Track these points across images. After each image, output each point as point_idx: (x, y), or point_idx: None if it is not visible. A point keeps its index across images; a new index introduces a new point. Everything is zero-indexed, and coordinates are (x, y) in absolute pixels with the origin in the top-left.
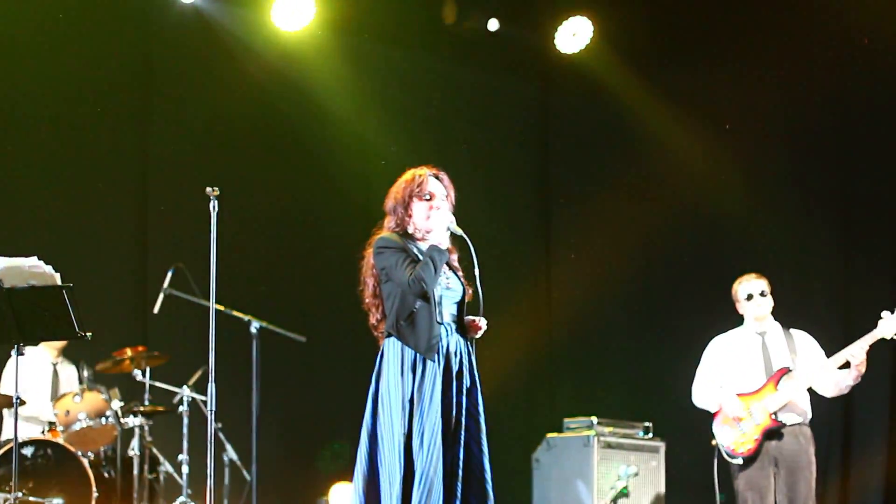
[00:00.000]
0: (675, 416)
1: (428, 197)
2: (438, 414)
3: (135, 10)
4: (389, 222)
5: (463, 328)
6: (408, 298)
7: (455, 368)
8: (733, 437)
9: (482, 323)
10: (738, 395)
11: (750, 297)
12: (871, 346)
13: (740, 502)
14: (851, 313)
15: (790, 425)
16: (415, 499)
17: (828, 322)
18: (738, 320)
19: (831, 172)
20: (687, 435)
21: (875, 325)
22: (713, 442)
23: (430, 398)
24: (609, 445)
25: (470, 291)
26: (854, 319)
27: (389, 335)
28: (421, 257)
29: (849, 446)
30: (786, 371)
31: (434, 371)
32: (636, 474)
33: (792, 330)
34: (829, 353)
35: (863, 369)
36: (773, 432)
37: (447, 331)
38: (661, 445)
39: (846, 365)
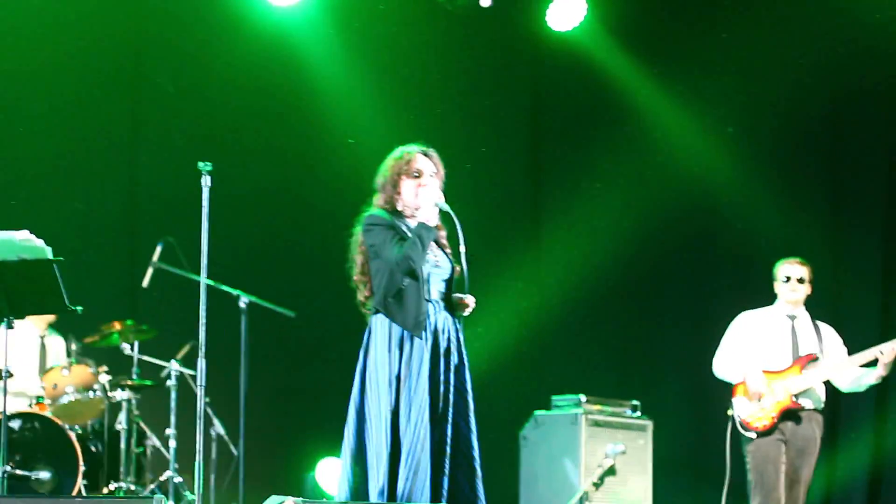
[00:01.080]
0: (663, 395)
1: (416, 174)
2: (426, 391)
3: None
4: (379, 199)
5: (451, 305)
6: (396, 275)
7: (443, 346)
8: (751, 410)
9: (470, 300)
10: (763, 371)
11: (788, 279)
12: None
13: (755, 475)
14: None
15: (806, 410)
16: (402, 475)
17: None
18: (727, 299)
19: (823, 163)
20: (674, 414)
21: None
22: (729, 412)
23: (417, 375)
24: (597, 423)
25: (458, 269)
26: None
27: (377, 312)
28: (409, 235)
29: (836, 427)
30: (813, 357)
31: (421, 348)
32: (624, 452)
33: (819, 322)
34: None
35: (886, 371)
36: (790, 413)
37: (435, 308)
38: (649, 424)
39: (869, 363)
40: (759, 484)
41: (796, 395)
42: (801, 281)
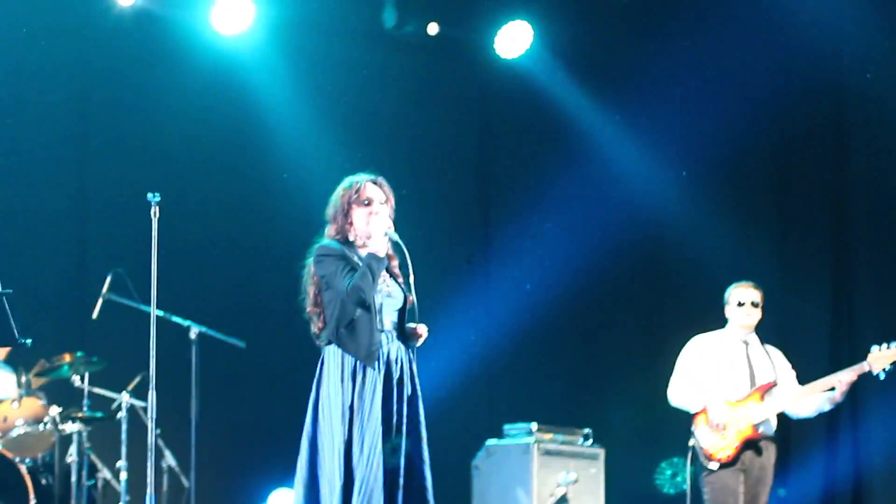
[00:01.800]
0: (615, 423)
1: (367, 202)
2: (378, 422)
3: (72, 14)
4: (330, 230)
5: (404, 335)
6: (347, 306)
7: (396, 376)
8: (713, 441)
9: (423, 330)
10: (724, 400)
11: (741, 304)
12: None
13: None
14: (789, 334)
15: (764, 438)
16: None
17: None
18: (677, 324)
19: (771, 188)
20: (627, 442)
21: (863, 357)
22: (690, 442)
23: (370, 406)
24: (548, 452)
25: (411, 299)
26: (794, 338)
27: (330, 342)
28: (360, 265)
29: (788, 454)
30: (772, 385)
31: (374, 378)
32: (576, 481)
33: (767, 346)
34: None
35: (842, 398)
36: (750, 442)
37: (388, 338)
38: (601, 452)
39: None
40: None
41: (758, 425)
42: (754, 305)
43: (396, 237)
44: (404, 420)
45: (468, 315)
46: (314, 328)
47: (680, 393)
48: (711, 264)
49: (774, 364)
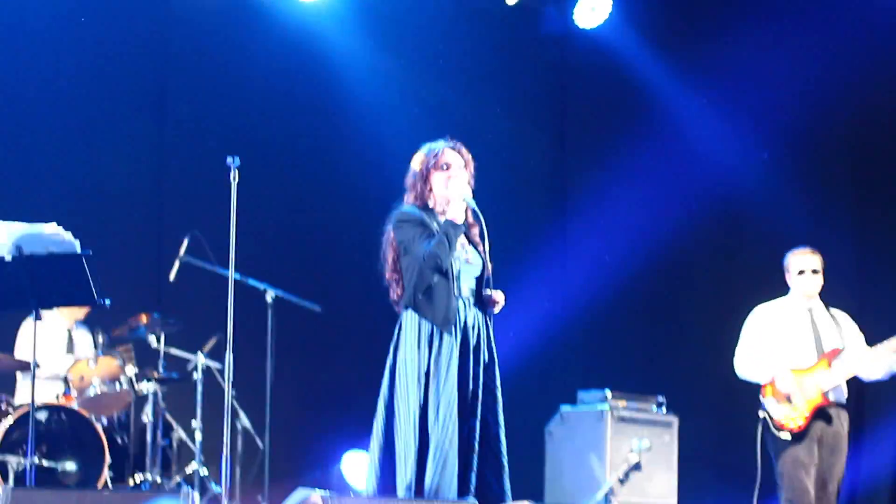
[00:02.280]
0: (689, 391)
1: (445, 167)
2: (454, 387)
3: None
4: (409, 197)
5: (482, 303)
6: (425, 272)
7: (472, 342)
8: (784, 411)
9: (500, 297)
10: (791, 370)
11: (801, 272)
12: None
13: (786, 479)
14: (864, 301)
15: (835, 406)
16: (429, 471)
17: (839, 302)
18: (752, 293)
19: (848, 156)
20: (700, 410)
21: None
22: (761, 414)
23: (446, 371)
24: (622, 419)
25: (490, 267)
26: (865, 307)
27: (407, 307)
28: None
29: (862, 420)
30: (839, 351)
31: (451, 344)
32: (649, 448)
33: (833, 310)
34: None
35: None
36: (822, 411)
37: (465, 304)
38: (675, 420)
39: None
40: (788, 488)
41: (827, 392)
42: (815, 272)
43: (474, 204)
44: (480, 386)
45: (545, 283)
46: (393, 295)
47: (746, 364)
48: (787, 236)
49: (841, 328)
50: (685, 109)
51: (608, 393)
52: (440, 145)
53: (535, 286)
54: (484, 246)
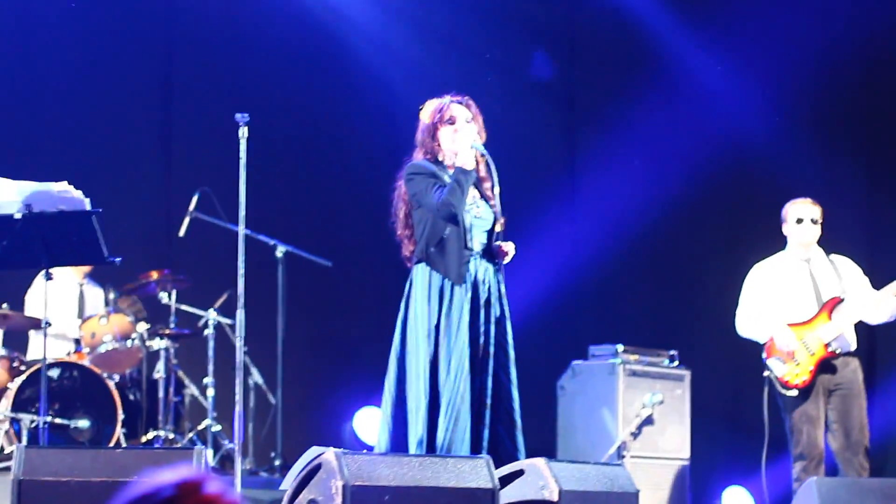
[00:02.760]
0: (701, 345)
1: (451, 121)
2: (466, 342)
3: None
4: (419, 154)
5: (492, 257)
6: (438, 224)
7: (483, 297)
8: (787, 368)
9: (510, 247)
10: (790, 325)
11: (800, 221)
12: None
13: (796, 434)
14: (874, 248)
15: (841, 355)
16: (441, 426)
17: (850, 255)
18: (763, 247)
19: (859, 106)
20: (712, 363)
21: None
22: (765, 373)
23: (457, 326)
24: (634, 373)
25: (502, 220)
26: (877, 255)
27: (419, 262)
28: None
29: (874, 368)
30: (839, 300)
31: (462, 298)
32: (661, 402)
33: (833, 256)
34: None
35: None
36: (827, 363)
37: (476, 259)
38: (687, 374)
39: None
40: (798, 442)
41: (830, 343)
42: (814, 222)
43: (483, 150)
44: (491, 341)
45: (555, 237)
46: (405, 251)
47: (746, 324)
48: (798, 190)
49: (841, 276)
50: (695, 63)
51: (620, 347)
52: (446, 100)
53: (545, 241)
54: (494, 191)
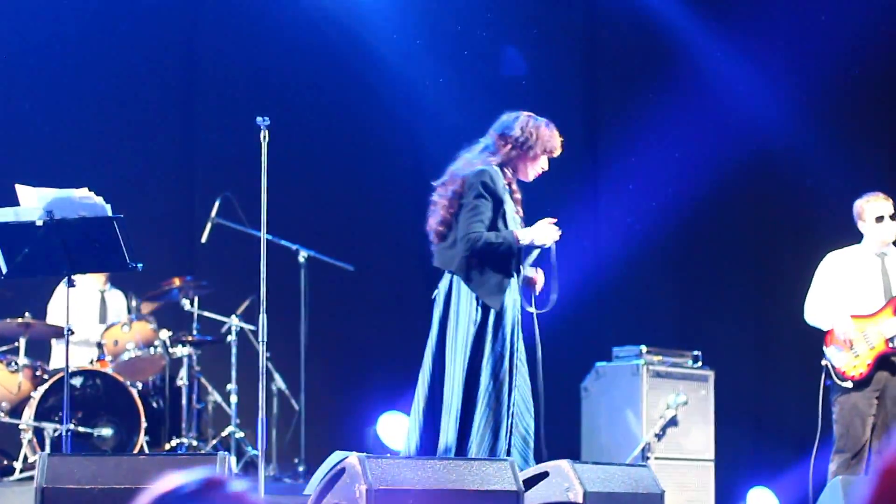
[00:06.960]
0: (725, 345)
1: (551, 153)
2: (507, 351)
3: None
4: (496, 157)
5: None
6: (475, 254)
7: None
8: (846, 359)
9: (540, 278)
10: (853, 316)
11: (881, 218)
12: None
13: (842, 426)
14: None
15: None
16: (474, 431)
17: None
18: (786, 248)
19: (886, 101)
20: (736, 364)
21: None
22: (823, 362)
23: (501, 335)
24: (658, 374)
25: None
26: None
27: (461, 271)
28: (507, 214)
29: None
30: None
31: (503, 311)
32: (685, 403)
33: None
34: None
35: None
36: (886, 359)
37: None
38: (711, 374)
39: None
40: (844, 436)
41: (892, 339)
42: (893, 217)
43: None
44: (517, 353)
45: (577, 238)
46: (433, 240)
47: (812, 311)
48: (822, 187)
49: None
50: (718, 58)
51: (643, 348)
52: (555, 131)
53: (567, 242)
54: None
